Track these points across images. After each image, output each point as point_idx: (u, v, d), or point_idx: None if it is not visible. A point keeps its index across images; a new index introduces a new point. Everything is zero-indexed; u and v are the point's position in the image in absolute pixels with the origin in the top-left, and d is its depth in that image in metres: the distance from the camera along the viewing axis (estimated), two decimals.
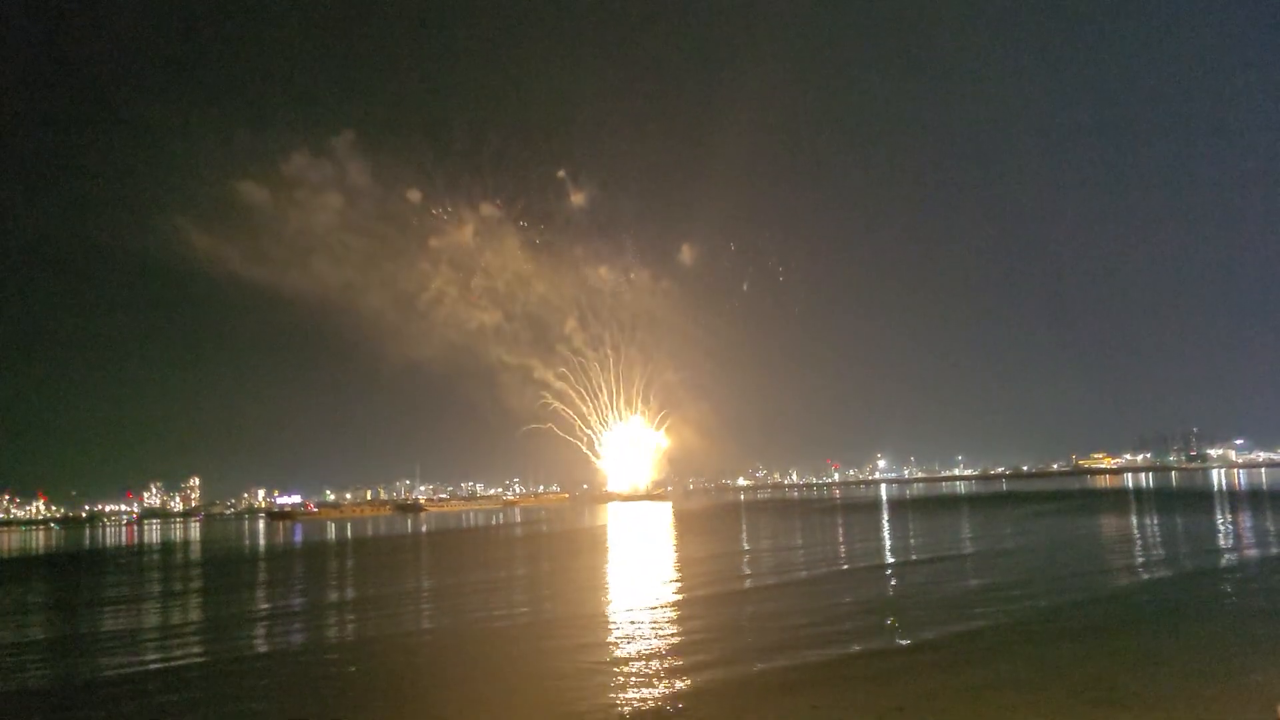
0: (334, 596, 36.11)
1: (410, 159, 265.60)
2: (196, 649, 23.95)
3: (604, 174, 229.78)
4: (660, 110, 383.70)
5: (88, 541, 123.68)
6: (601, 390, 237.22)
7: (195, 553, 76.97)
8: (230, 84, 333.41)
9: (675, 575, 37.56)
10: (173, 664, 21.72)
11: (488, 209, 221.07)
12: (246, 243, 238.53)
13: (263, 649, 23.71)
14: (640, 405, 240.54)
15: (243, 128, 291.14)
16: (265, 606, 33.42)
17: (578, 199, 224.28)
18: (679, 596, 29.89)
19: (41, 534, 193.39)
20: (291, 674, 19.85)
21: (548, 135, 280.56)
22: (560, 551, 54.75)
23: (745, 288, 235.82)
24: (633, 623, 23.93)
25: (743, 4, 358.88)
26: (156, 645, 25.14)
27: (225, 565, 59.23)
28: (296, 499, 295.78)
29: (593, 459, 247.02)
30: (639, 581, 35.44)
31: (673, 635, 22.03)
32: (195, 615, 31.71)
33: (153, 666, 21.64)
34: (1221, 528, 49.10)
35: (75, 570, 63.18)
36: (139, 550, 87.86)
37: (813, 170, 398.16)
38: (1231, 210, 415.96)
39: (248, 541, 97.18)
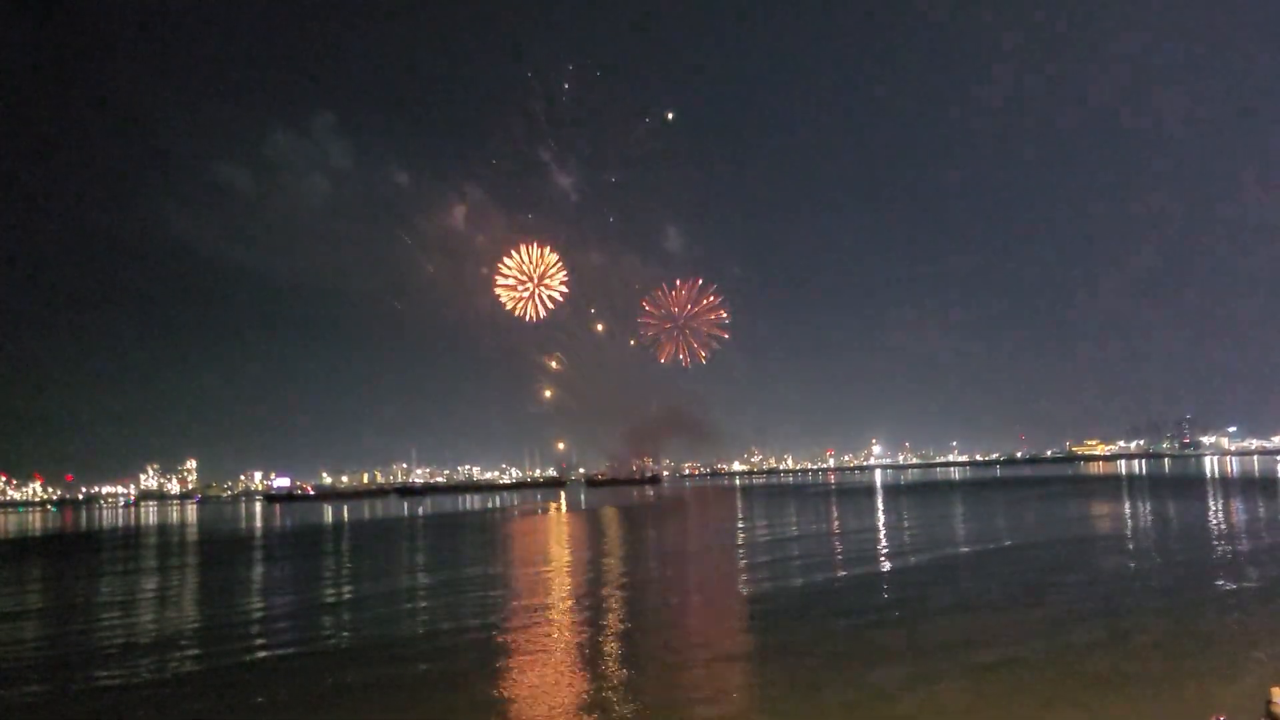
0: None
1: (395, 144, 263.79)
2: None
3: (588, 156, 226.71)
4: (648, 89, 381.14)
5: (96, 523, 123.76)
6: (597, 374, 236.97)
7: (194, 535, 77.20)
8: (214, 69, 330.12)
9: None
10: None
11: (474, 191, 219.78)
12: (238, 226, 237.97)
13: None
14: (636, 389, 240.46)
15: (228, 115, 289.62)
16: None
17: (563, 181, 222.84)
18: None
19: (39, 516, 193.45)
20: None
21: (529, 115, 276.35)
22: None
23: (736, 271, 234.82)
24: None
25: None
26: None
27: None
28: (285, 481, 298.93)
29: (589, 442, 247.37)
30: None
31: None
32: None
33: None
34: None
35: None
36: (135, 532, 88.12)
37: (808, 156, 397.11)
38: (1226, 200, 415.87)
39: (244, 524, 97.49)
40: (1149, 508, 57.42)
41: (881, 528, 50.11)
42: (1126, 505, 61.46)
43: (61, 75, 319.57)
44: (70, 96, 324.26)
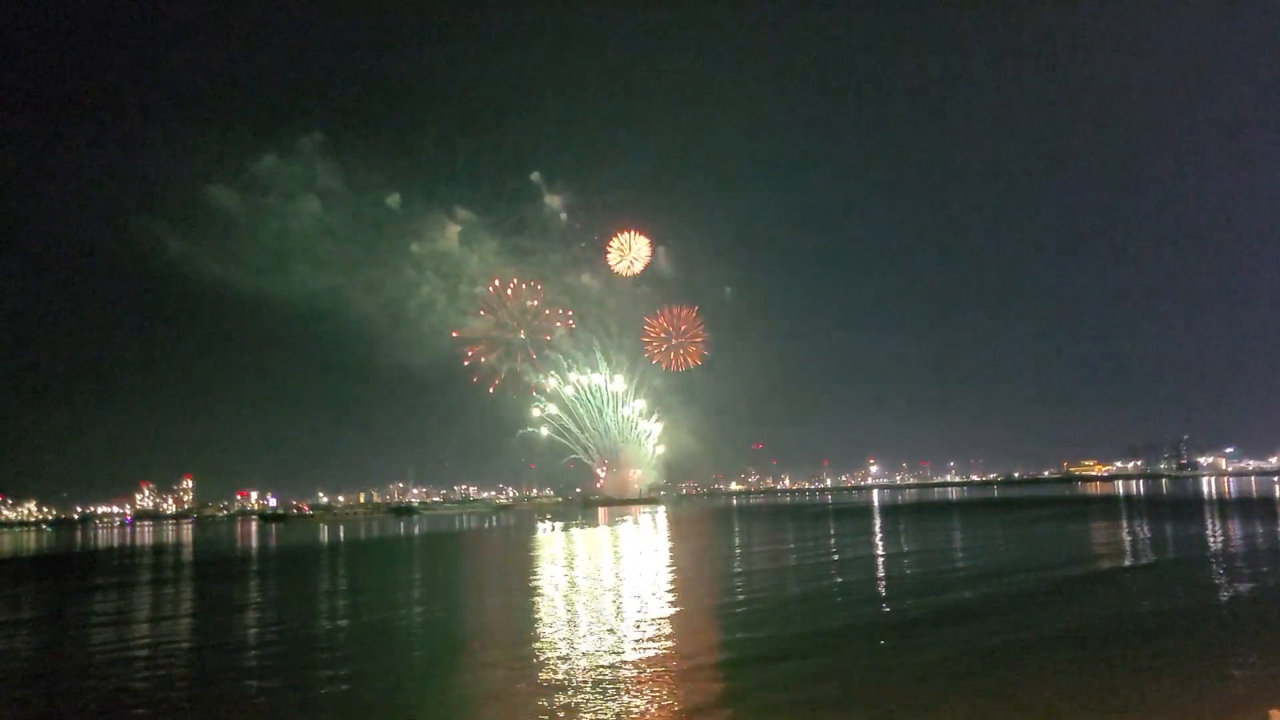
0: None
1: (386, 165, 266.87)
2: None
3: (578, 177, 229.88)
4: (637, 111, 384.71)
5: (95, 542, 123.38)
6: (593, 395, 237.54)
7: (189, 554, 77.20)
8: (203, 89, 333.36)
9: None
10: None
11: (465, 214, 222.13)
12: (230, 247, 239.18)
13: None
14: (632, 410, 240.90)
15: (217, 136, 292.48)
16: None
17: (553, 201, 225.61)
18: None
19: (33, 535, 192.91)
20: None
21: (518, 137, 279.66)
22: None
23: (729, 291, 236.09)
24: None
25: (724, 5, 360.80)
26: None
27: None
28: (272, 502, 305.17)
29: (586, 462, 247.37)
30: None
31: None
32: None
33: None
34: None
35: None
36: (132, 550, 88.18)
37: (801, 173, 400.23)
38: (1223, 219, 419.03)
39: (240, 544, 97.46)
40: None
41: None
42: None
43: (52, 97, 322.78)
44: (61, 118, 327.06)
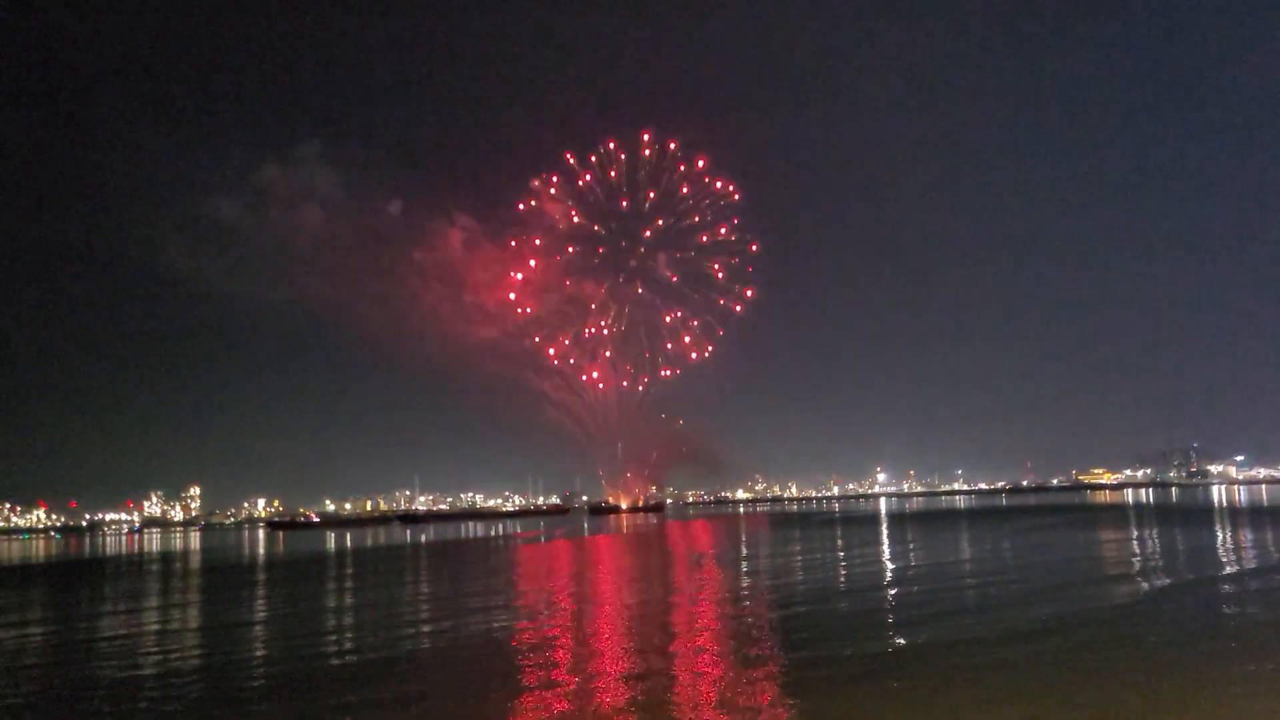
0: None
1: (387, 173, 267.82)
2: None
3: (578, 179, 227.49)
4: (638, 112, 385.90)
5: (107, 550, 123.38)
6: (600, 403, 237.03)
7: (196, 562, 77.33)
8: (203, 98, 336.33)
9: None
10: None
11: (466, 220, 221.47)
12: (236, 257, 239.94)
13: None
14: (639, 418, 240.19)
15: (219, 147, 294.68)
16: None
17: (553, 207, 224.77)
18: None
19: (42, 542, 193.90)
20: None
21: (517, 142, 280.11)
22: None
23: (736, 300, 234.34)
24: None
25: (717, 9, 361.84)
26: None
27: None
28: (280, 509, 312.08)
29: (591, 469, 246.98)
30: None
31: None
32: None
33: None
34: None
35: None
36: (140, 559, 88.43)
37: (810, 181, 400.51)
38: (1232, 227, 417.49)
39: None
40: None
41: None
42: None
43: (53, 110, 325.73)
44: (64, 132, 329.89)
